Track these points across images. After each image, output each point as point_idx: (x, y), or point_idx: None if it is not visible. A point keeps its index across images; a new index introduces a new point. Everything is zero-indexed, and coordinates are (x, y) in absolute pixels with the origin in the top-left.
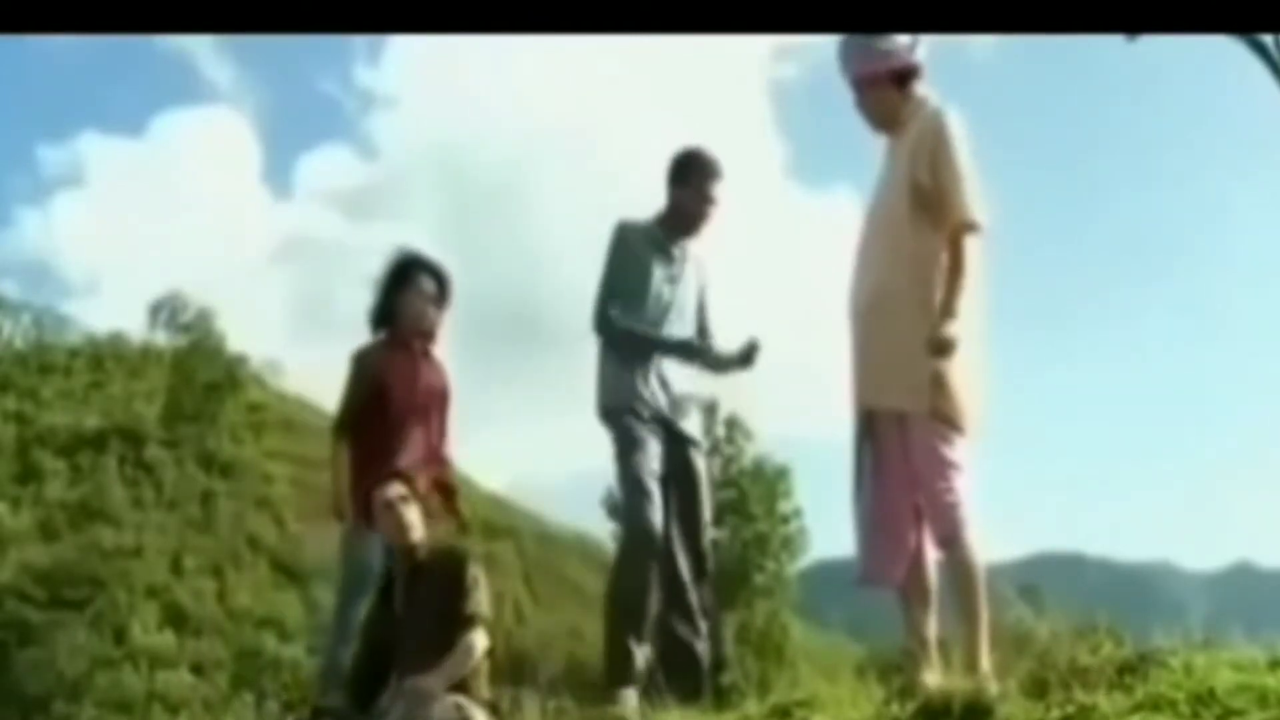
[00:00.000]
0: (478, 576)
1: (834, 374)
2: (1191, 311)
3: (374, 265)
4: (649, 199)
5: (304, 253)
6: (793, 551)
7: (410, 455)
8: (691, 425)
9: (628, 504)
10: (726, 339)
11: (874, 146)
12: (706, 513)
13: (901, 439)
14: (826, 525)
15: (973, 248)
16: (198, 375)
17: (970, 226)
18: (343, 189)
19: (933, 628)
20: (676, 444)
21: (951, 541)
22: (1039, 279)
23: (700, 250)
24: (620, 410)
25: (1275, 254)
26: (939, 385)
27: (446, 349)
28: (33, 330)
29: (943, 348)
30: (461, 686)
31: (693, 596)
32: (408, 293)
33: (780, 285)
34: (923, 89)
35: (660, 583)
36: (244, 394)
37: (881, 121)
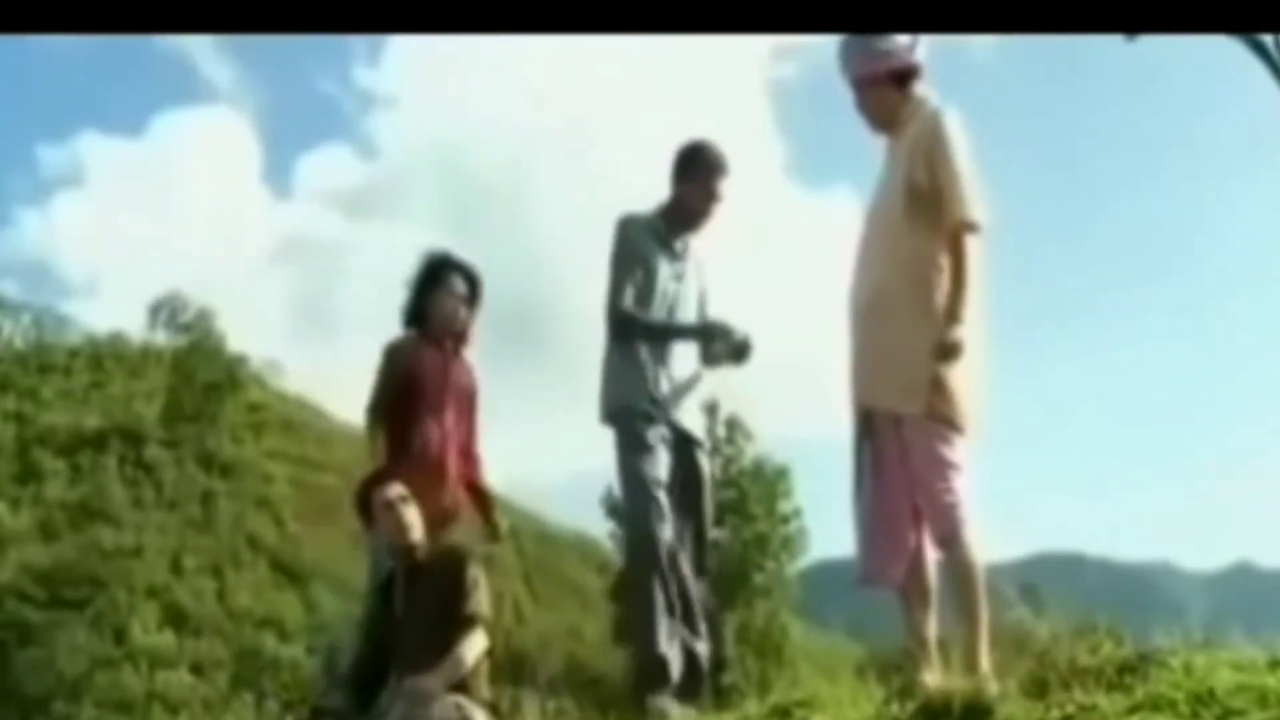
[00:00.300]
0: (477, 577)
1: (834, 374)
2: (1191, 311)
3: (374, 265)
4: (649, 199)
5: (304, 253)
6: (792, 551)
7: (441, 448)
8: (695, 424)
9: (633, 510)
10: None
11: (874, 147)
12: (709, 516)
13: (900, 439)
14: (826, 525)
15: (973, 248)
16: (198, 375)
17: (969, 226)
18: (342, 189)
19: (933, 628)
20: (683, 446)
21: (951, 541)
22: (1038, 279)
23: (700, 246)
24: (628, 412)
25: (1275, 254)
26: (938, 385)
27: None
28: (33, 330)
29: (949, 352)
30: (461, 686)
31: (694, 598)
32: (439, 293)
33: (780, 285)
34: (922, 89)
35: (666, 586)
36: (244, 394)
37: (881, 122)
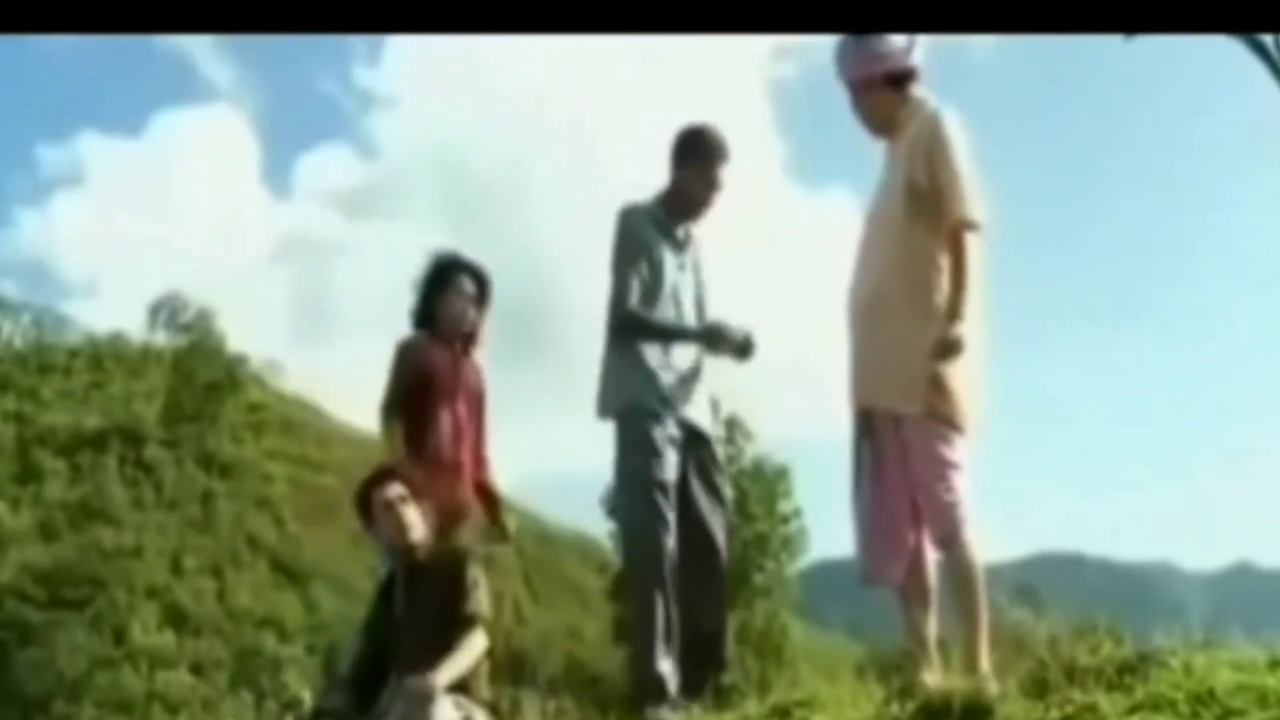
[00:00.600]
0: (477, 577)
1: (834, 374)
2: (1191, 311)
3: (374, 265)
4: (648, 199)
5: (304, 253)
6: (792, 551)
7: (454, 447)
8: (703, 418)
9: (634, 516)
10: None
11: (873, 147)
12: (729, 506)
13: (899, 439)
14: (826, 525)
15: (973, 247)
16: (197, 375)
17: (969, 224)
18: (342, 189)
19: (932, 628)
20: (693, 442)
21: (950, 541)
22: (1038, 279)
23: (700, 236)
24: (634, 410)
25: (1275, 254)
26: (938, 384)
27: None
28: (33, 330)
29: (950, 350)
30: (461, 686)
31: (708, 597)
32: (447, 294)
33: (780, 285)
34: (919, 91)
35: (666, 595)
36: (244, 394)
37: (879, 125)
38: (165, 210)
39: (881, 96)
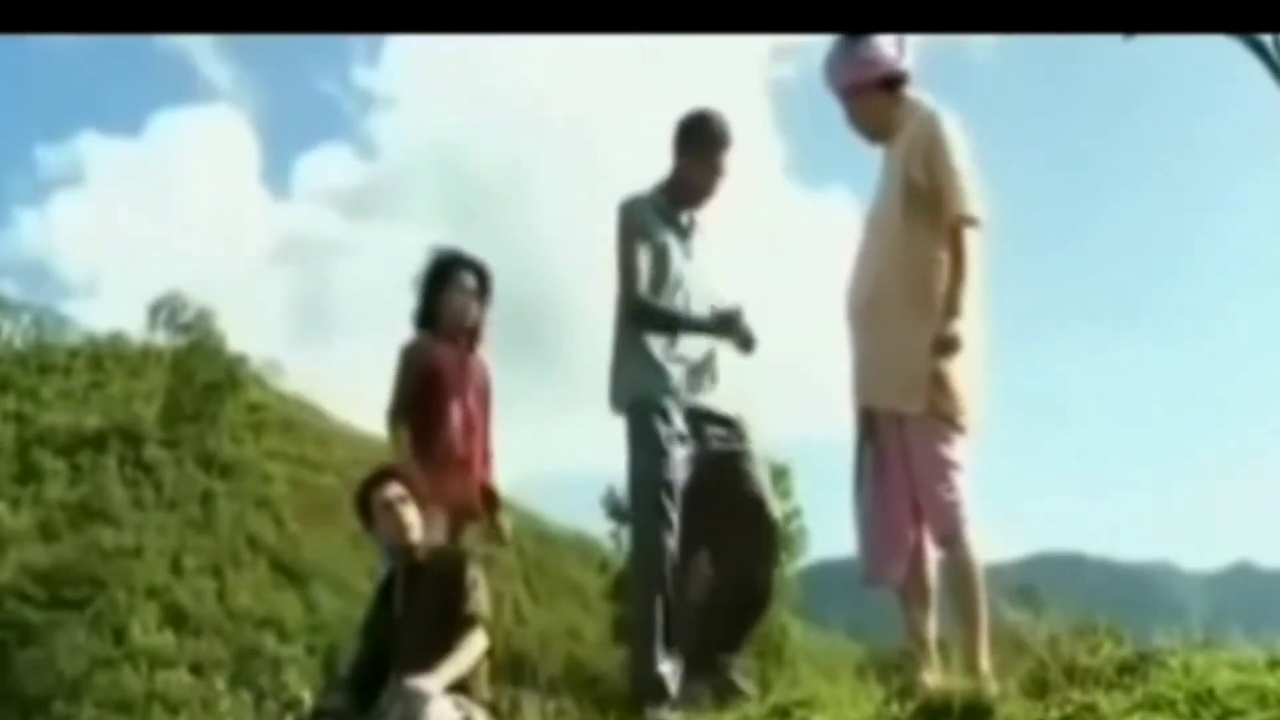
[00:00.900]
0: (477, 577)
1: (833, 374)
2: (1191, 311)
3: (373, 265)
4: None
5: (303, 253)
6: (792, 551)
7: (464, 446)
8: (722, 404)
9: (640, 516)
10: None
11: (872, 148)
12: (764, 492)
13: (901, 438)
14: (826, 525)
15: (973, 243)
16: (197, 375)
17: (968, 221)
18: (342, 189)
19: (932, 628)
20: (710, 429)
21: (951, 540)
22: (1038, 279)
23: (705, 220)
24: (642, 407)
25: (1275, 254)
26: (939, 383)
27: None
28: (32, 330)
29: (948, 345)
30: (461, 687)
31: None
32: (449, 291)
33: (779, 284)
34: (913, 93)
35: (669, 597)
36: (243, 394)
37: (875, 130)
38: (165, 210)
39: (876, 101)
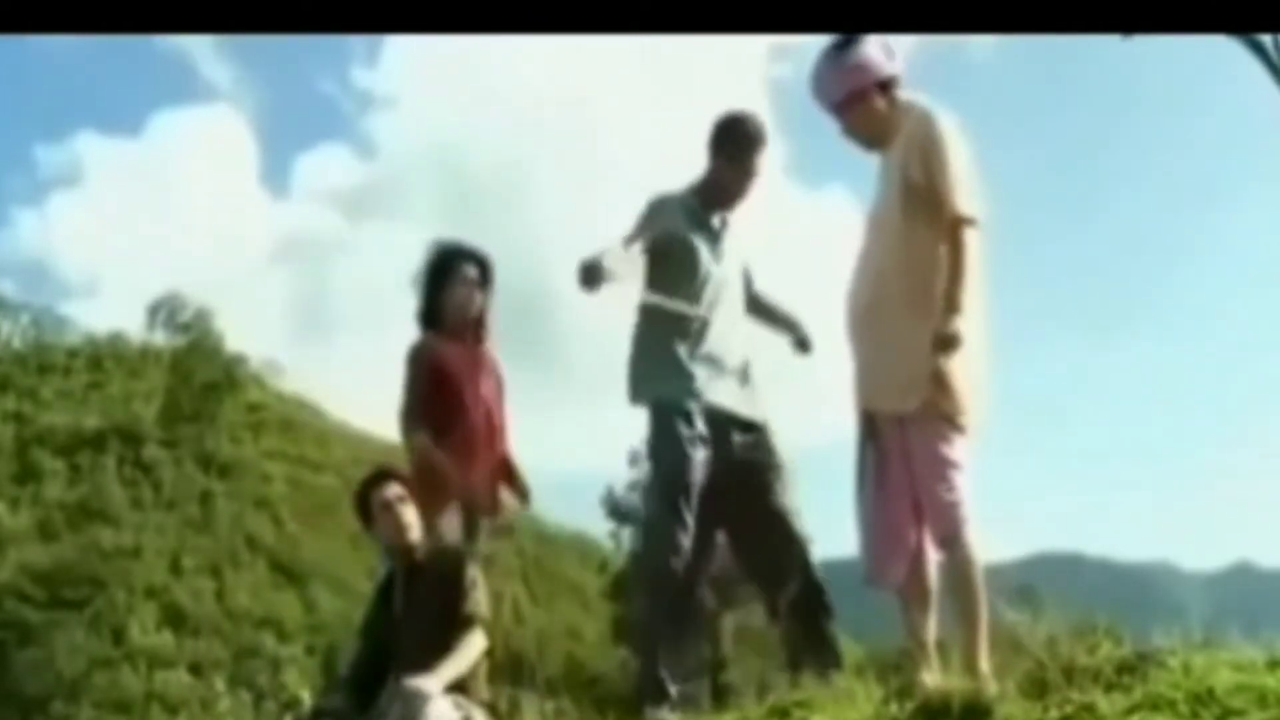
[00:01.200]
0: (476, 577)
1: (833, 374)
2: (1191, 311)
3: (373, 265)
4: (647, 198)
5: (302, 253)
6: None
7: (480, 444)
8: (746, 405)
9: (652, 514)
10: None
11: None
12: (781, 497)
13: (903, 439)
14: (826, 525)
15: (972, 242)
16: (196, 375)
17: (966, 220)
18: (341, 189)
19: (932, 629)
20: (735, 430)
21: (951, 541)
22: (1038, 279)
23: (738, 220)
24: (662, 406)
25: (1274, 254)
26: (940, 383)
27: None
28: (31, 330)
29: (948, 343)
30: (460, 687)
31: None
32: (451, 284)
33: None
34: (907, 95)
35: (675, 597)
36: (243, 394)
37: (872, 137)
38: (164, 210)
39: (872, 107)
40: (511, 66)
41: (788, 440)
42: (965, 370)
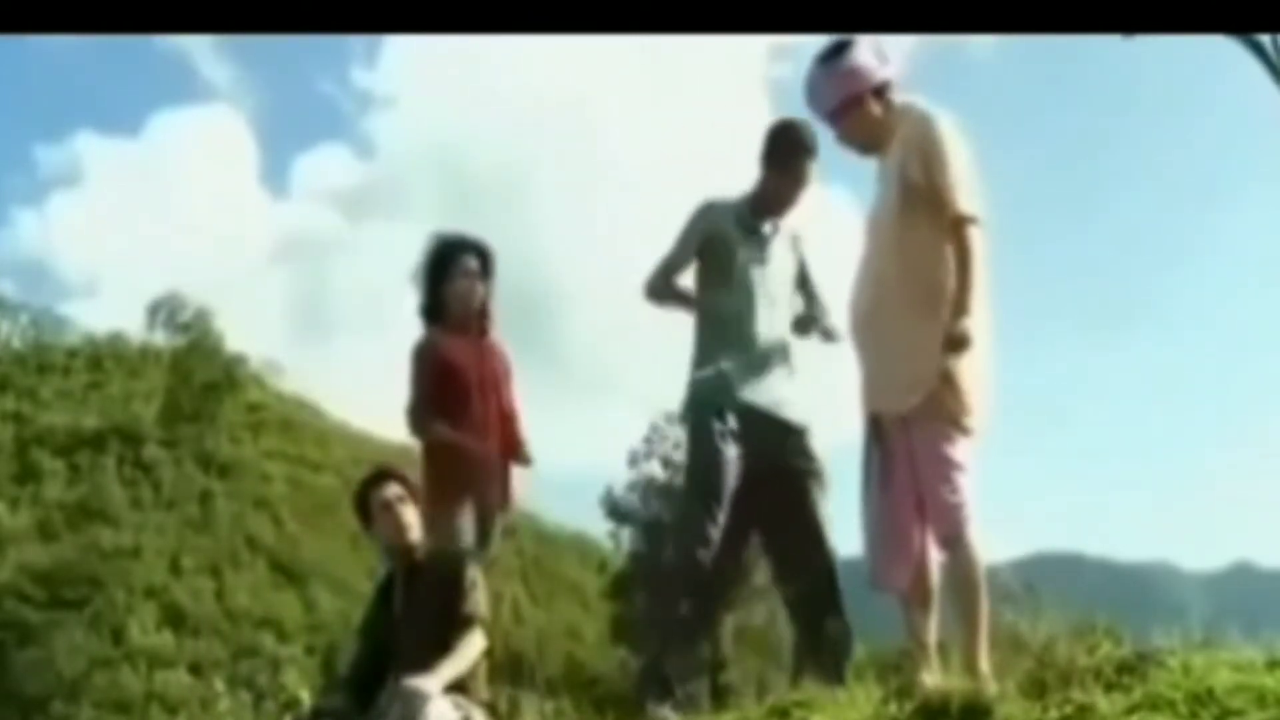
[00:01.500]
0: (475, 577)
1: (835, 375)
2: (1191, 311)
3: (372, 265)
4: (648, 198)
5: (302, 253)
6: None
7: (489, 439)
8: (784, 407)
9: (684, 516)
10: None
11: None
12: (822, 504)
13: (907, 441)
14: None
15: (976, 241)
16: (196, 375)
17: (969, 219)
18: (341, 189)
19: (933, 630)
20: (770, 431)
21: (954, 541)
22: (1038, 279)
23: (794, 222)
24: (696, 404)
25: (1274, 254)
26: (947, 385)
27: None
28: (31, 330)
29: (959, 343)
30: (460, 687)
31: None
32: (452, 277)
33: None
34: (903, 98)
35: (691, 595)
36: (242, 394)
37: (870, 141)
38: (164, 210)
39: (867, 113)
40: (511, 66)
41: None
42: (971, 372)
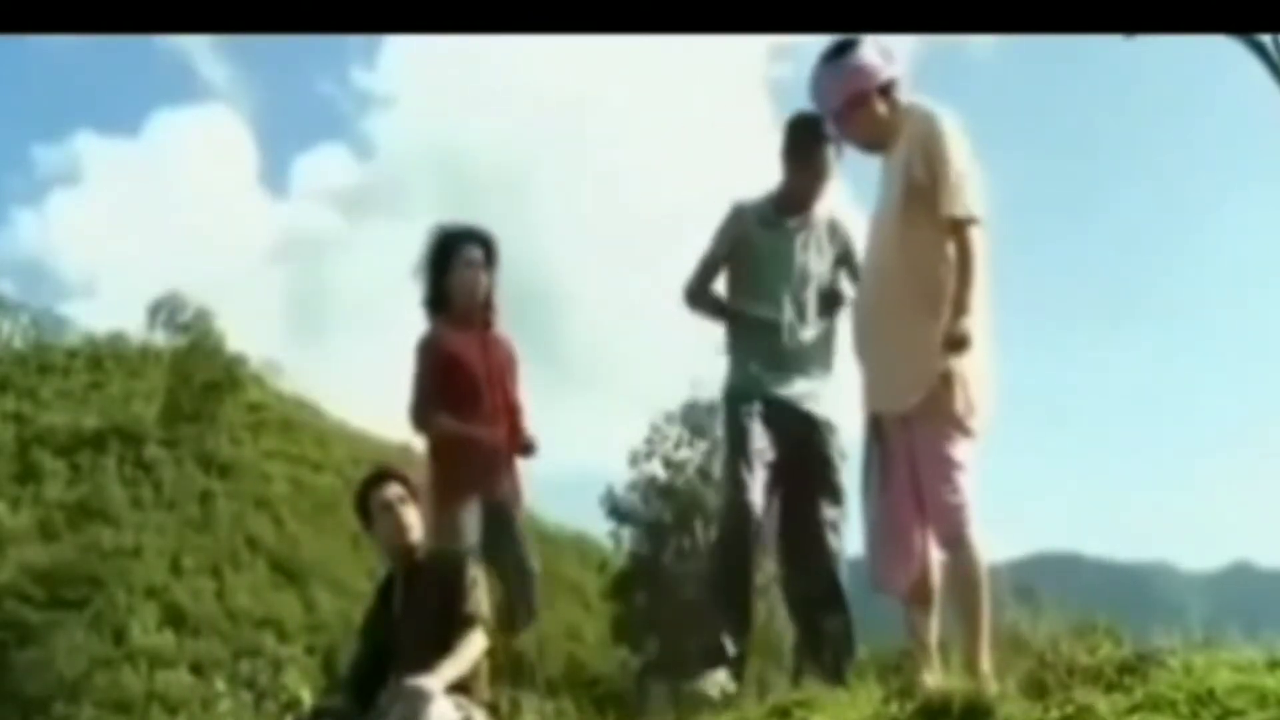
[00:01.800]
0: (476, 577)
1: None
2: (1191, 311)
3: (372, 265)
4: (648, 198)
5: (302, 252)
6: None
7: (496, 435)
8: (824, 408)
9: (722, 498)
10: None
11: None
12: (838, 499)
13: (908, 442)
14: None
15: (978, 241)
16: (196, 375)
17: (970, 219)
18: (340, 189)
19: (934, 630)
20: (798, 425)
21: (955, 542)
22: (1038, 279)
23: (831, 211)
24: (734, 397)
25: (1274, 254)
26: (949, 386)
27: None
28: (31, 330)
29: (958, 343)
30: (461, 687)
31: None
32: (455, 268)
33: None
34: (908, 97)
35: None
36: (243, 394)
37: (874, 139)
38: (163, 210)
39: (872, 112)
40: (511, 66)
41: None
42: (972, 371)
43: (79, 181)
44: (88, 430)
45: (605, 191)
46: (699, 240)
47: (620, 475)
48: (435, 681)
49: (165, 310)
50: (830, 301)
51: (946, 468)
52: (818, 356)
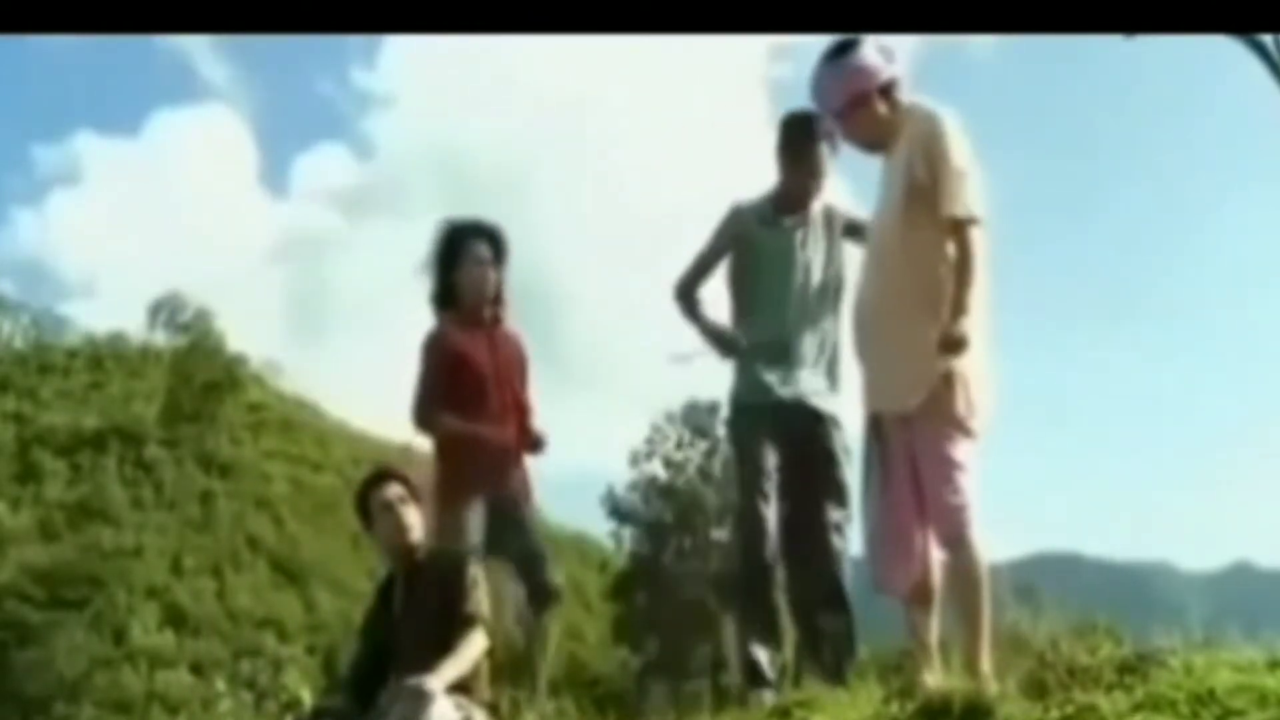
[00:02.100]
0: (476, 577)
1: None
2: (1191, 311)
3: (372, 265)
4: (647, 198)
5: (302, 252)
6: None
7: (503, 433)
8: (829, 404)
9: (738, 514)
10: None
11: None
12: (843, 497)
13: (908, 442)
14: None
15: (978, 242)
16: (196, 375)
17: (970, 221)
18: (340, 188)
19: (935, 630)
20: (805, 424)
21: (956, 542)
22: (1038, 279)
23: (824, 203)
24: (740, 405)
25: (1274, 255)
26: (949, 387)
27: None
28: (32, 330)
29: (954, 345)
30: (461, 687)
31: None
32: (464, 264)
33: None
34: (909, 97)
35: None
36: (243, 394)
37: (875, 140)
38: (163, 210)
39: (873, 112)
40: (511, 66)
41: None
42: (973, 372)
43: (79, 181)
44: (88, 430)
45: (605, 191)
46: (699, 240)
47: (621, 475)
48: (435, 681)
49: (165, 310)
50: (833, 297)
51: (947, 468)
52: (822, 353)
